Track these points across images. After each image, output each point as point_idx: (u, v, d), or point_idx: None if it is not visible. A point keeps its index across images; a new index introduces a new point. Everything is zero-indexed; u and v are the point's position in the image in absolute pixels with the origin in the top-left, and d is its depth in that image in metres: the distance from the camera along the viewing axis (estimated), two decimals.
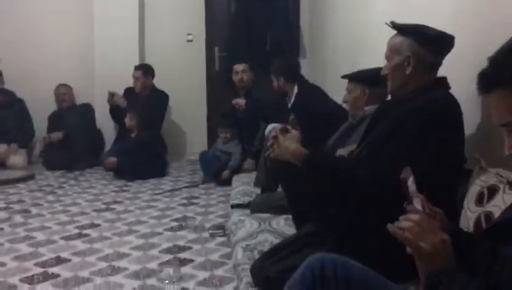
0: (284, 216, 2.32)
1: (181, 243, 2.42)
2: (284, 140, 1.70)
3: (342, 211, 1.59)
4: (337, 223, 1.59)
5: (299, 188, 1.79)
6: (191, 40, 4.97)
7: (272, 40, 4.75)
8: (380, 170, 1.45)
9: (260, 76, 4.27)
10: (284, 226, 2.24)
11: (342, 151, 2.09)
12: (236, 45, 4.84)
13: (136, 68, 4.47)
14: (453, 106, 1.52)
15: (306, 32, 4.89)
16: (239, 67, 4.02)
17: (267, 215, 2.40)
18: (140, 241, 2.45)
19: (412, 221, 0.94)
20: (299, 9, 4.90)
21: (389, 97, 1.83)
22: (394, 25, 1.63)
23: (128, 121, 4.21)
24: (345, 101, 2.41)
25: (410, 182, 1.03)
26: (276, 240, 1.95)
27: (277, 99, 3.34)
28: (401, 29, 1.62)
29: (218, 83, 5.00)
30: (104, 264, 2.14)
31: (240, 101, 3.89)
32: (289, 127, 1.75)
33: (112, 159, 4.06)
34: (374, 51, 2.44)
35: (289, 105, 3.15)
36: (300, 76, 3.25)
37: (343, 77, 2.36)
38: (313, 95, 3.07)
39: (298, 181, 1.76)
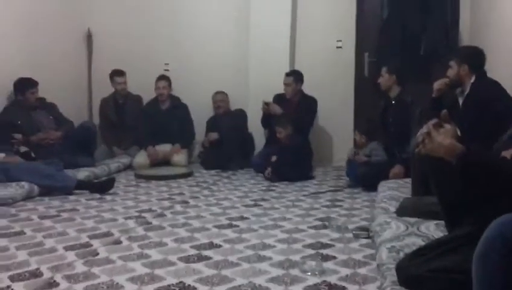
0: (435, 221, 2.19)
1: (324, 240, 2.43)
2: (438, 135, 1.61)
3: (501, 212, 1.45)
4: None
5: (452, 187, 1.67)
6: (340, 47, 5.00)
7: (426, 43, 4.52)
8: None
9: (412, 80, 4.11)
10: (434, 231, 2.11)
11: (505, 154, 1.90)
12: (387, 49, 4.72)
13: (287, 74, 4.64)
14: None
15: (466, 33, 4.55)
16: (383, 69, 3.96)
17: (415, 219, 2.30)
18: (285, 236, 2.52)
19: None
20: (458, 8, 4.57)
21: None
22: None
23: (283, 131, 4.34)
24: None
25: None
26: None
27: (428, 101, 3.19)
28: None
29: (366, 89, 4.93)
30: (251, 252, 2.25)
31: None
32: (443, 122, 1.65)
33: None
34: None
35: (460, 99, 2.99)
36: (483, 70, 3.03)
37: None
38: (492, 88, 2.85)
39: (451, 179, 1.65)
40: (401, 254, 1.84)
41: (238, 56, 5.13)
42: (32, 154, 3.96)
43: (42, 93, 4.43)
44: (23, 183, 3.39)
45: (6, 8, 4.34)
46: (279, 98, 4.71)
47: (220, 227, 2.71)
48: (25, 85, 4.28)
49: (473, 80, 2.93)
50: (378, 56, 4.79)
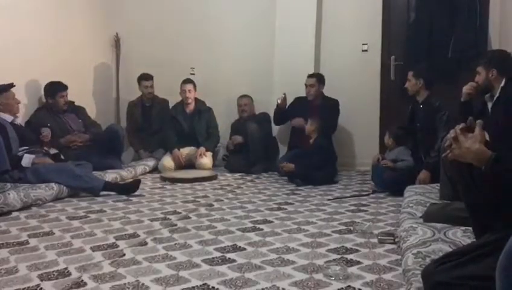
0: (463, 227, 2.15)
1: (348, 245, 2.41)
2: (465, 140, 1.58)
3: None
4: None
5: (480, 192, 1.64)
6: (365, 50, 4.96)
7: (454, 47, 4.45)
8: None
9: (440, 84, 4.05)
10: (461, 237, 2.07)
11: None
12: (414, 53, 4.67)
13: (310, 76, 4.67)
14: None
15: (495, 36, 4.45)
16: (410, 73, 3.89)
17: (441, 225, 2.26)
18: (309, 240, 2.51)
19: None
20: (487, 11, 4.48)
21: None
22: None
23: (309, 126, 4.38)
24: None
25: None
26: None
27: (457, 105, 3.13)
28: None
29: (392, 93, 4.87)
30: (274, 256, 2.25)
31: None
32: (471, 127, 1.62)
33: (290, 165, 4.26)
34: None
35: (489, 104, 2.93)
36: None
37: None
38: None
39: (479, 185, 1.61)
40: (428, 260, 1.81)
41: (262, 60, 5.16)
42: (62, 156, 4.05)
43: (71, 96, 4.54)
44: (52, 184, 3.48)
45: (34, 13, 4.47)
46: (299, 101, 4.72)
47: (243, 230, 2.71)
48: (55, 89, 4.40)
49: (502, 84, 2.87)
50: (405, 59, 4.74)
